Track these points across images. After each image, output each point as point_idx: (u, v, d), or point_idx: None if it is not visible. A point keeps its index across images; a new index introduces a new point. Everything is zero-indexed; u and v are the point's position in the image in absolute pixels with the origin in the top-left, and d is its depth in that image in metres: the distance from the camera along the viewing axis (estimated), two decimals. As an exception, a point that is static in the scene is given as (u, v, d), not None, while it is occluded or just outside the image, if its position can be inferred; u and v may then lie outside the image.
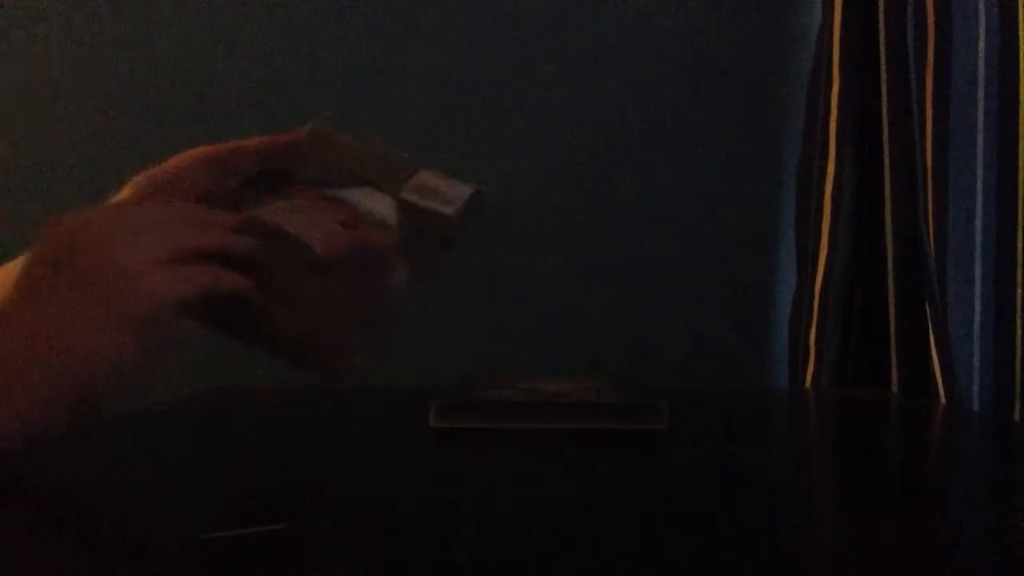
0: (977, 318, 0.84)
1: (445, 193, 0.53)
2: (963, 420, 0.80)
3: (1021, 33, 0.81)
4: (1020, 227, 0.82)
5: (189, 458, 0.55)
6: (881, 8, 0.94)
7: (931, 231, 0.86)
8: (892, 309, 0.93)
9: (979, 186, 0.84)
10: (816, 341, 1.00)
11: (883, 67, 0.94)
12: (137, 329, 0.44)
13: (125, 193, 0.52)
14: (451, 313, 1.07)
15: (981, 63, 0.83)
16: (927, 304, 0.88)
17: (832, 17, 1.00)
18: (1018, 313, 0.82)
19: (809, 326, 1.01)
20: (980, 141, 0.84)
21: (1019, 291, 0.82)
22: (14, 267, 0.48)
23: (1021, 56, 0.81)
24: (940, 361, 0.85)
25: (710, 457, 0.57)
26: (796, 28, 1.14)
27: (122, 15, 1.08)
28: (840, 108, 0.99)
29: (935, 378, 0.86)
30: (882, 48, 0.94)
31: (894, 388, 0.93)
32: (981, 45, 0.83)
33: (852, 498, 0.48)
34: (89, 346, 0.43)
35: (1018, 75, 0.82)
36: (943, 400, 0.85)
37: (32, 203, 1.03)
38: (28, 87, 1.07)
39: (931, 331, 0.87)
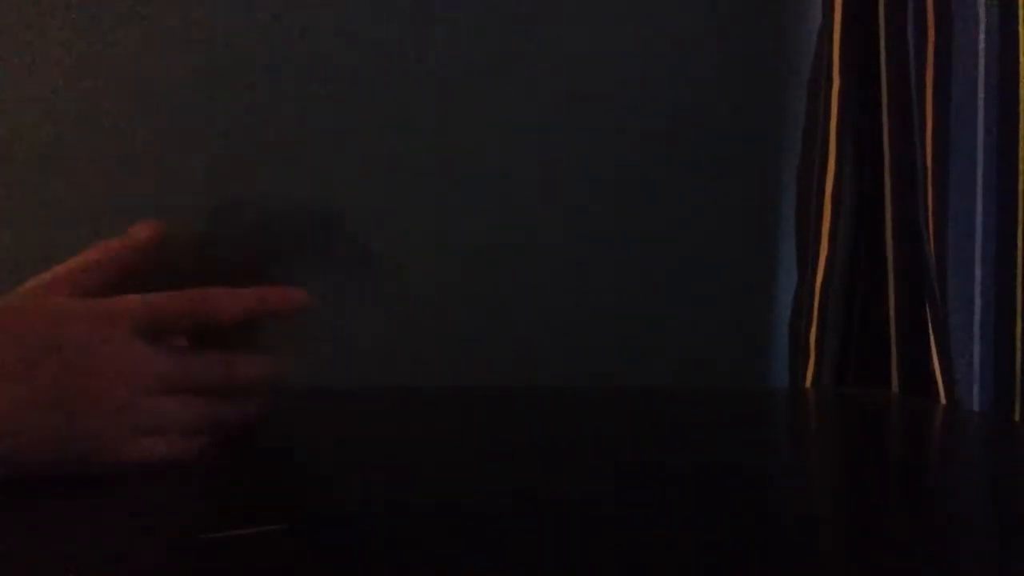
0: (977, 318, 0.84)
1: None
2: (963, 420, 0.80)
3: (1021, 33, 0.81)
4: (1020, 227, 0.82)
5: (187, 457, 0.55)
6: (881, 8, 0.94)
7: (931, 231, 0.86)
8: (892, 309, 0.93)
9: (979, 186, 0.84)
10: (816, 341, 1.00)
11: (883, 67, 0.94)
12: None
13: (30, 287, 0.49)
14: (449, 313, 1.07)
15: (981, 63, 0.83)
16: (927, 304, 0.88)
17: (832, 17, 1.00)
18: (1018, 313, 0.82)
19: (809, 326, 1.01)
20: (980, 141, 0.84)
21: (1019, 291, 0.82)
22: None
23: (1021, 56, 0.81)
24: (940, 361, 0.85)
25: (710, 457, 0.57)
26: (796, 29, 1.14)
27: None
28: (840, 108, 0.99)
29: (935, 378, 0.86)
30: (882, 48, 0.94)
31: (894, 388, 0.93)
32: (981, 45, 0.83)
33: (852, 498, 0.48)
34: None
35: (1018, 75, 0.81)
36: (943, 400, 0.85)
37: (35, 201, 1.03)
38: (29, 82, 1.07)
39: (931, 331, 0.87)
